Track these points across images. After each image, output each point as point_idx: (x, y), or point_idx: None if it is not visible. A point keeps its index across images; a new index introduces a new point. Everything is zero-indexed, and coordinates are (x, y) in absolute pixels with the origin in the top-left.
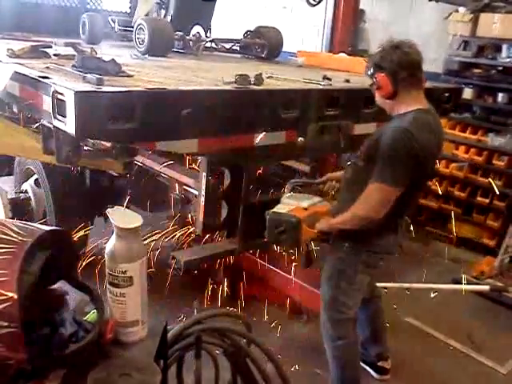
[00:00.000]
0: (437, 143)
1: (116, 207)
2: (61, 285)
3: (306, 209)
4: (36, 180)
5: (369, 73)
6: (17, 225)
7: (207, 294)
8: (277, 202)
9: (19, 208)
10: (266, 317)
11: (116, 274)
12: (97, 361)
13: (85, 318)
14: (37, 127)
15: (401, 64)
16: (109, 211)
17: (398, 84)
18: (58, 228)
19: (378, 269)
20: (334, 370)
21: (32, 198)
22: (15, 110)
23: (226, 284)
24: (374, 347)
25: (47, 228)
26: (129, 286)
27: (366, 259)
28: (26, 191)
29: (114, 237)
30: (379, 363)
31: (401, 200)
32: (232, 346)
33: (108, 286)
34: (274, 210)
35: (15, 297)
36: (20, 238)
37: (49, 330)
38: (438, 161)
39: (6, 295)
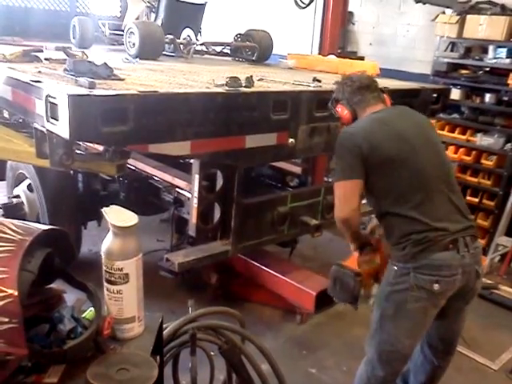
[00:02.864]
0: (396, 130)
1: (112, 206)
2: (58, 284)
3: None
4: (29, 185)
5: (330, 107)
6: (15, 224)
7: (201, 293)
8: (268, 203)
9: (12, 213)
10: (259, 317)
11: (112, 272)
12: (95, 356)
13: (83, 316)
14: (29, 131)
15: (351, 91)
16: (105, 210)
17: (354, 109)
18: (55, 227)
19: (439, 294)
20: None
21: (25, 202)
22: (7, 114)
23: (218, 284)
24: None
25: (45, 227)
26: (125, 283)
27: (415, 282)
28: (18, 196)
29: (110, 235)
30: None
31: (398, 189)
32: (226, 343)
33: (105, 283)
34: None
35: (15, 293)
36: (19, 237)
37: (48, 326)
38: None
39: (6, 292)
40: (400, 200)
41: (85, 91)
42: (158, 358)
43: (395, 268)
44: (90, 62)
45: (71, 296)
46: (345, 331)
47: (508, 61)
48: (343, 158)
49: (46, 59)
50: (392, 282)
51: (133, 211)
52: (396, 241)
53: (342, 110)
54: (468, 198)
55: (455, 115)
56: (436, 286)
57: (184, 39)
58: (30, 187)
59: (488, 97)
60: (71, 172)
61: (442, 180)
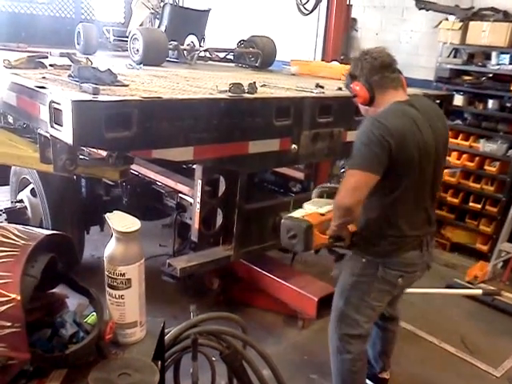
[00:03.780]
0: (419, 130)
1: (115, 211)
2: (61, 288)
3: (323, 215)
4: (32, 190)
5: (346, 84)
6: (18, 229)
7: (203, 299)
8: (271, 208)
9: (15, 218)
10: (261, 323)
11: (115, 277)
12: (96, 361)
13: (85, 321)
14: (33, 137)
15: (371, 69)
16: (108, 215)
17: (372, 88)
18: (58, 232)
19: (399, 287)
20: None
21: (28, 207)
22: (11, 120)
23: (220, 290)
24: (380, 362)
25: (48, 232)
26: (127, 288)
27: (382, 275)
28: (21, 201)
29: (112, 240)
30: (380, 375)
31: (398, 198)
32: (228, 348)
33: (107, 288)
34: (290, 214)
35: (18, 298)
36: (22, 242)
37: (50, 331)
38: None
39: (9, 296)
40: (396, 202)
41: (89, 97)
42: (159, 363)
43: (363, 260)
44: (94, 68)
45: (73, 301)
46: None
47: (511, 67)
48: (368, 146)
49: (50, 65)
50: (359, 273)
51: (135, 216)
52: (372, 236)
53: (359, 88)
54: (471, 204)
55: (458, 121)
56: (400, 281)
57: (188, 45)
58: (33, 192)
59: (491, 103)
60: (74, 177)
61: (432, 195)
